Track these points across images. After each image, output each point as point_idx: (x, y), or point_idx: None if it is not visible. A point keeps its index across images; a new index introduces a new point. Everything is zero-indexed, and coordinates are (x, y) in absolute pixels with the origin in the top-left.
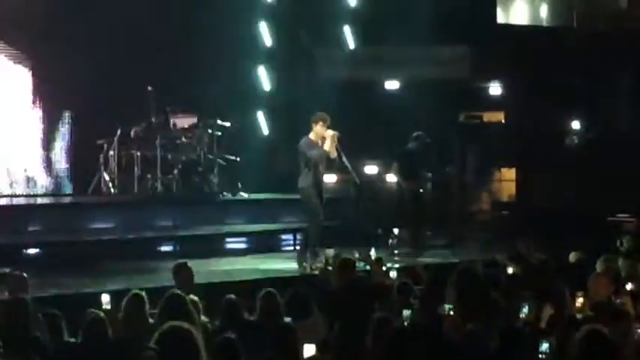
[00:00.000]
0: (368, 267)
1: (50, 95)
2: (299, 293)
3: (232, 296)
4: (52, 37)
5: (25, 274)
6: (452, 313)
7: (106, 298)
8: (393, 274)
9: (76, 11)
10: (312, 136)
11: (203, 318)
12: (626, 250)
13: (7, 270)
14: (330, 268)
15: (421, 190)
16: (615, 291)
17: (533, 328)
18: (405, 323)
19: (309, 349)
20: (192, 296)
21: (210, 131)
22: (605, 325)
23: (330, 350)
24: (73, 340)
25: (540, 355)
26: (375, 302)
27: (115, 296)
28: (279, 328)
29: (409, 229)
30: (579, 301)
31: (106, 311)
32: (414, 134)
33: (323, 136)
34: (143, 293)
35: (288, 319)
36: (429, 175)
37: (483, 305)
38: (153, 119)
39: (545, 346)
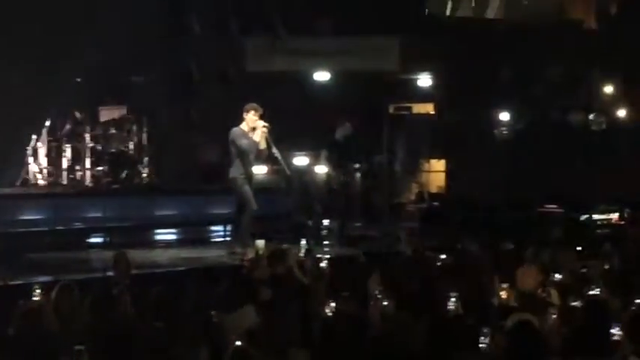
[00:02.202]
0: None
1: None
2: (230, 284)
3: (160, 288)
4: None
5: None
6: (384, 303)
7: (36, 289)
8: (323, 264)
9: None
10: (243, 126)
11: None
12: (555, 240)
13: None
14: (259, 258)
15: (348, 180)
16: (542, 282)
17: (461, 318)
18: (330, 313)
19: (236, 340)
20: (119, 289)
21: (138, 122)
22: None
23: (257, 340)
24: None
25: (480, 345)
26: (302, 294)
27: (45, 288)
28: (205, 321)
29: (338, 220)
30: (503, 292)
31: (37, 303)
32: (340, 122)
33: (254, 126)
34: (72, 284)
35: (215, 311)
36: (356, 165)
37: (412, 295)
38: (80, 112)
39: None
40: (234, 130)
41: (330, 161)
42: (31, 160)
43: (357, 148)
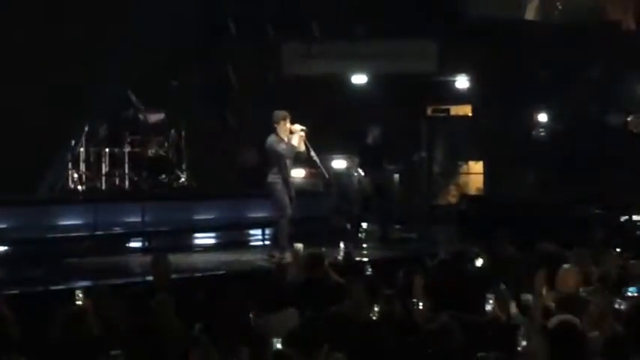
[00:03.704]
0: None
1: None
2: (269, 288)
3: (202, 294)
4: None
5: None
6: (421, 305)
7: (78, 294)
8: (368, 268)
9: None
10: (278, 133)
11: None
12: (595, 241)
13: None
14: (287, 261)
15: (386, 183)
16: (584, 282)
17: (498, 320)
18: (374, 317)
19: (276, 343)
20: (161, 294)
21: (177, 126)
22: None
23: (295, 343)
24: (45, 337)
25: (518, 348)
26: (343, 296)
27: (86, 292)
28: (245, 324)
29: (378, 223)
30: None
31: (78, 307)
32: (369, 127)
33: (290, 130)
34: (112, 289)
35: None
36: (391, 167)
37: (452, 298)
38: (123, 115)
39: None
40: (270, 137)
41: (362, 166)
42: (70, 165)
43: (387, 152)
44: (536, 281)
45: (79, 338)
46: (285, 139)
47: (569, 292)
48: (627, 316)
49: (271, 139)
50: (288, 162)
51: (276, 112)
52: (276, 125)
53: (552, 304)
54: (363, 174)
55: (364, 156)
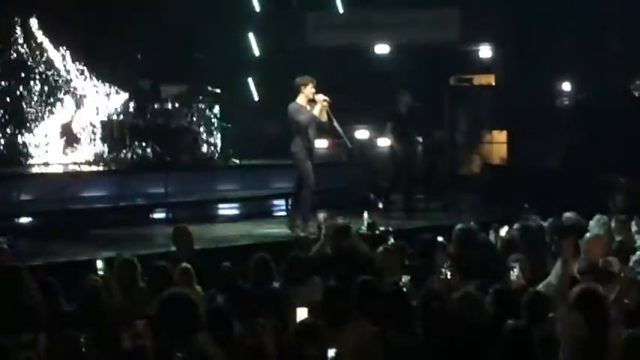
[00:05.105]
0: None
1: None
2: (294, 258)
3: (228, 264)
4: None
5: (4, 246)
6: (449, 275)
7: (100, 264)
8: (391, 238)
9: None
10: (299, 100)
11: (197, 287)
12: (618, 209)
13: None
14: (311, 231)
15: (411, 152)
16: (607, 252)
17: (524, 289)
18: (404, 289)
19: (302, 313)
20: (184, 264)
21: (200, 98)
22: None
23: (321, 313)
24: (68, 307)
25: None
26: (368, 266)
27: (109, 263)
28: (269, 294)
29: (402, 193)
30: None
31: (101, 277)
32: (400, 94)
33: (311, 99)
34: (135, 259)
35: (277, 284)
36: (420, 139)
37: (477, 267)
38: (143, 87)
39: None
40: (291, 105)
41: (394, 133)
42: (93, 136)
43: (419, 119)
44: (564, 250)
45: (99, 309)
46: (307, 107)
47: (594, 260)
48: None
49: (291, 108)
50: (310, 131)
51: (299, 77)
52: (302, 88)
53: (577, 274)
54: (392, 143)
55: (397, 124)
